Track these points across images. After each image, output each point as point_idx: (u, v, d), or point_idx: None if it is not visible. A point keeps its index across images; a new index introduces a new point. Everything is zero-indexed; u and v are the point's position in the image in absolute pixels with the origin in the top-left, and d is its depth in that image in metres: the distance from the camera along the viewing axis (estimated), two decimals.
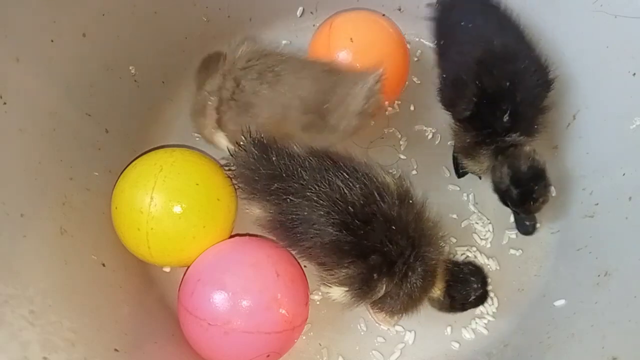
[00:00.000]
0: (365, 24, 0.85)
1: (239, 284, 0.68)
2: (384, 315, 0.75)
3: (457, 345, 0.78)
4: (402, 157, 0.89)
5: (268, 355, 0.70)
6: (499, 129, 0.74)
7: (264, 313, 0.68)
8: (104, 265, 0.73)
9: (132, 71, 0.85)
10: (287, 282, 0.70)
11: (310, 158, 0.69)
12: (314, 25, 0.92)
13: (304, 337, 0.78)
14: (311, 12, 0.95)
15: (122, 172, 0.78)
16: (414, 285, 0.66)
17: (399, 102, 0.93)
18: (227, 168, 0.75)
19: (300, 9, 0.96)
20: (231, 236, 0.79)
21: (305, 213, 0.65)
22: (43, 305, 0.60)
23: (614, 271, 0.70)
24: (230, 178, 0.74)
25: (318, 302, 0.80)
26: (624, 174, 0.74)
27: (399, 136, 0.90)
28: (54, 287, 0.64)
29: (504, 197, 0.76)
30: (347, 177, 0.66)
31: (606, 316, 0.68)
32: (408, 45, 0.89)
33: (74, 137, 0.76)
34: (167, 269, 0.82)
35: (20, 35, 0.68)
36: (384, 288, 0.65)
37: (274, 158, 0.69)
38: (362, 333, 0.79)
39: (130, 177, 0.75)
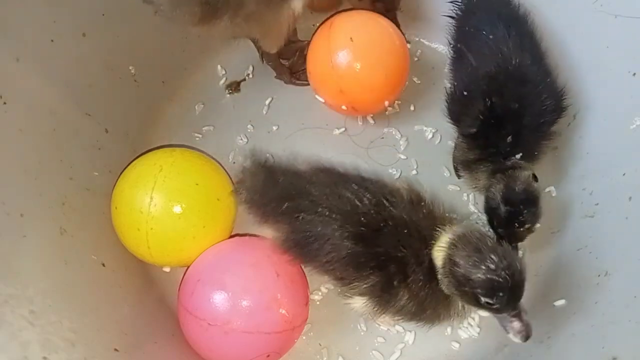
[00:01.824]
0: (366, 24, 0.85)
1: (239, 284, 0.68)
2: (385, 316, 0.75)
3: (457, 345, 0.78)
4: (402, 157, 0.89)
5: (268, 355, 0.70)
6: (502, 149, 0.73)
7: (264, 313, 0.68)
8: (104, 265, 0.73)
9: (132, 71, 0.85)
10: (287, 282, 0.70)
11: (318, 174, 0.69)
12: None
13: (304, 337, 0.78)
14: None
15: (122, 172, 0.78)
16: (427, 283, 0.64)
17: (399, 102, 0.93)
18: (237, 194, 0.74)
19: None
20: (231, 236, 0.79)
21: (319, 229, 0.65)
22: (43, 305, 0.60)
23: (614, 271, 0.70)
24: (243, 204, 0.74)
25: (318, 302, 0.80)
26: (624, 174, 0.74)
27: (399, 136, 0.90)
28: (54, 287, 0.64)
29: (492, 216, 0.75)
30: (356, 187, 0.66)
31: (606, 316, 0.68)
32: (408, 45, 0.89)
33: (74, 137, 0.76)
34: (167, 269, 0.82)
35: (20, 35, 0.68)
36: (406, 294, 0.64)
37: (280, 179, 0.70)
38: (362, 333, 0.79)
39: (130, 177, 0.75)
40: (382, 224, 0.64)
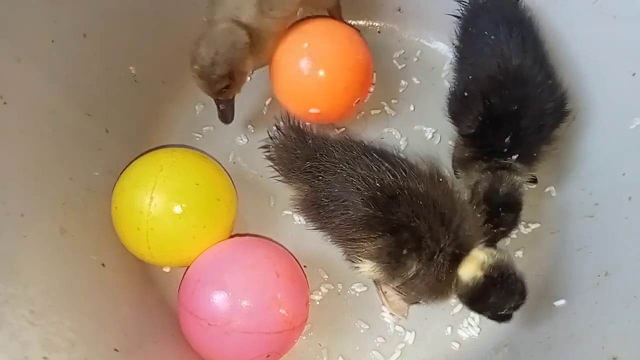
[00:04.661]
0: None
1: (239, 284, 0.68)
2: (398, 303, 0.76)
3: (457, 345, 0.78)
4: (402, 157, 0.89)
5: (268, 355, 0.70)
6: (499, 149, 0.74)
7: (264, 313, 0.68)
8: (104, 265, 0.73)
9: (132, 71, 0.85)
10: (287, 282, 0.70)
11: (343, 141, 0.74)
12: None
13: (304, 337, 0.78)
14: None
15: (122, 172, 0.78)
16: (443, 265, 0.65)
17: (395, 101, 0.92)
18: (265, 150, 0.79)
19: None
20: (231, 236, 0.79)
21: (337, 190, 0.68)
22: (43, 305, 0.60)
23: (614, 271, 0.70)
24: (270, 160, 0.79)
25: (318, 302, 0.80)
26: (624, 174, 0.74)
27: (399, 136, 0.90)
28: (54, 287, 0.64)
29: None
30: (377, 157, 0.70)
31: (606, 316, 0.68)
32: (407, 47, 0.87)
33: (74, 137, 0.76)
34: (167, 269, 0.82)
35: (21, 35, 0.68)
36: (415, 266, 0.65)
37: (309, 141, 0.75)
38: (362, 333, 0.79)
39: (130, 177, 0.75)
40: (397, 192, 0.66)
